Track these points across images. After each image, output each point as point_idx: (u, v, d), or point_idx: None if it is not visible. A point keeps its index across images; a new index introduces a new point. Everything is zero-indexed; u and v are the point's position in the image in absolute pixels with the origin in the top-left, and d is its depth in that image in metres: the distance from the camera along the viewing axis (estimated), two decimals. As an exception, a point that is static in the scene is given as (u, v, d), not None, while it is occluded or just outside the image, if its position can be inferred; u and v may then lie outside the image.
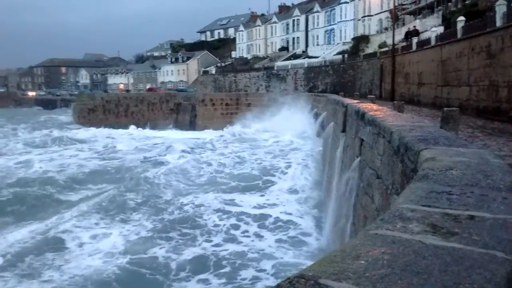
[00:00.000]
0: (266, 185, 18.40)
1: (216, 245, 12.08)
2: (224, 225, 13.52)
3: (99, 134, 42.47)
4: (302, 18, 68.75)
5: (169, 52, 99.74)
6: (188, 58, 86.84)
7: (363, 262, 1.46)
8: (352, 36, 55.33)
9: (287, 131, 30.35)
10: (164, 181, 19.10)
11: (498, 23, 13.63)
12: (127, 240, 12.68)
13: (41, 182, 19.44)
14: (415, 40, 24.85)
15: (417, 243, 1.63)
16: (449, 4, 34.44)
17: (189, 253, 11.55)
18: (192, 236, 12.84)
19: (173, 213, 14.91)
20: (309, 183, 18.09)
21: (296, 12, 70.50)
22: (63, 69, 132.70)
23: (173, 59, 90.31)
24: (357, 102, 12.62)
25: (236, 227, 13.38)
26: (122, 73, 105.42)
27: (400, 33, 36.44)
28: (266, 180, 19.09)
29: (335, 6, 61.01)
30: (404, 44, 28.61)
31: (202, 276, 10.30)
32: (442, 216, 1.93)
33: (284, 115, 34.62)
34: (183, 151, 27.67)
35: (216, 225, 13.52)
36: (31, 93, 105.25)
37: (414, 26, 29.40)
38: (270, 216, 14.10)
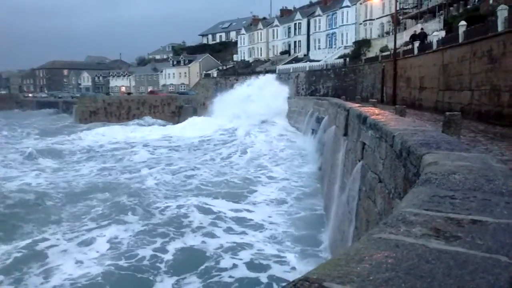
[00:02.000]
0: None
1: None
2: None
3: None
4: (304, 22, 68.90)
5: (171, 55, 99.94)
6: (190, 61, 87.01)
7: (367, 265, 1.47)
8: (353, 40, 55.41)
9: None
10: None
11: (500, 27, 13.64)
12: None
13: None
14: (416, 44, 24.85)
15: (420, 247, 1.63)
16: (451, 8, 34.51)
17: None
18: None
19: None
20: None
21: (298, 16, 70.67)
22: (65, 72, 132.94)
23: (175, 62, 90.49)
24: (358, 106, 12.63)
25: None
26: (124, 76, 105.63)
27: (401, 37, 36.47)
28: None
29: (337, 10, 61.13)
30: (406, 48, 28.62)
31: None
32: (445, 220, 1.94)
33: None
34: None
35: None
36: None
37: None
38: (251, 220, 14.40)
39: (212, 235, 12.87)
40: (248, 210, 15.38)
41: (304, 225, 13.60)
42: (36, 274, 10.73)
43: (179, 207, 15.33)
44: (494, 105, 13.11)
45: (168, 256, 11.45)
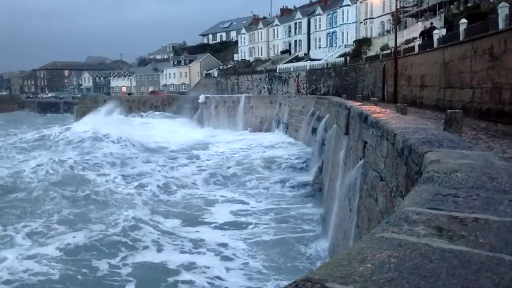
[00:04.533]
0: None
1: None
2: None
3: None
4: (304, 21, 68.84)
5: (172, 55, 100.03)
6: (191, 61, 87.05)
7: (369, 265, 1.45)
8: (354, 39, 55.34)
9: None
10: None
11: (501, 25, 13.61)
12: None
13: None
14: (417, 42, 24.75)
15: (423, 246, 1.62)
16: (451, 6, 34.44)
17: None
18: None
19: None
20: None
21: (298, 15, 70.60)
22: (66, 72, 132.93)
23: (176, 62, 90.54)
24: (359, 105, 12.60)
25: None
26: (125, 76, 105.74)
27: (402, 36, 36.39)
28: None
29: (337, 9, 61.07)
30: (407, 46, 28.56)
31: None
32: (448, 219, 1.92)
33: None
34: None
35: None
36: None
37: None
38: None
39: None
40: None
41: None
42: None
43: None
44: (495, 102, 13.07)
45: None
